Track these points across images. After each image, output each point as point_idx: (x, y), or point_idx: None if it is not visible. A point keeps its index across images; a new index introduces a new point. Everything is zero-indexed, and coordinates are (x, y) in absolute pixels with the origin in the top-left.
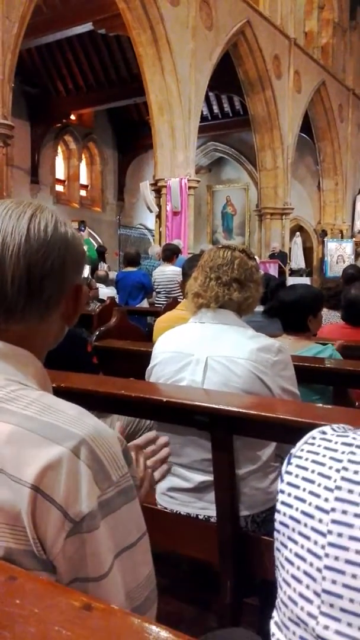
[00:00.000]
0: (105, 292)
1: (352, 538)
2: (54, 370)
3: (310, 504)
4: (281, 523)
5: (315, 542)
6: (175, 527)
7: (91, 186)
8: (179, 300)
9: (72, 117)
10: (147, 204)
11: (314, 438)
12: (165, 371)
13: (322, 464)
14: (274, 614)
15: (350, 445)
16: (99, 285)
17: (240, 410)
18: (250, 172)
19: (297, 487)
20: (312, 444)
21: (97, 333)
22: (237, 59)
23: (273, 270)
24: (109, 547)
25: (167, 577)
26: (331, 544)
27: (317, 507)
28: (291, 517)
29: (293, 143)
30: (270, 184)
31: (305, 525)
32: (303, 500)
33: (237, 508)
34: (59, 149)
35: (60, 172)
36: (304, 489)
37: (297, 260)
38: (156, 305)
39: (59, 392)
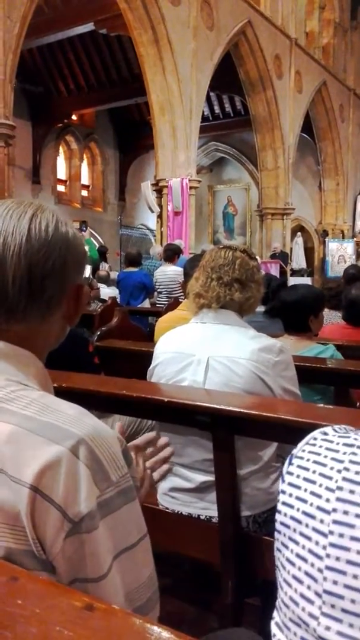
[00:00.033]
0: (107, 292)
1: (353, 539)
2: (56, 370)
3: (311, 504)
4: (282, 523)
5: (317, 543)
6: (177, 528)
7: (92, 186)
8: (180, 300)
9: (74, 117)
10: (148, 204)
11: (315, 439)
12: (166, 371)
13: (324, 465)
14: (275, 614)
15: (351, 445)
16: (100, 285)
17: (242, 410)
18: (252, 172)
19: (298, 487)
20: (314, 445)
21: (99, 333)
22: (238, 59)
23: (274, 271)
24: (108, 547)
25: (168, 577)
26: (332, 545)
27: (319, 508)
28: (292, 518)
29: (294, 143)
30: (272, 184)
31: (307, 525)
32: (304, 501)
33: (238, 508)
34: (61, 149)
35: (61, 172)
36: (305, 490)
37: (299, 260)
38: (157, 305)
39: (61, 392)
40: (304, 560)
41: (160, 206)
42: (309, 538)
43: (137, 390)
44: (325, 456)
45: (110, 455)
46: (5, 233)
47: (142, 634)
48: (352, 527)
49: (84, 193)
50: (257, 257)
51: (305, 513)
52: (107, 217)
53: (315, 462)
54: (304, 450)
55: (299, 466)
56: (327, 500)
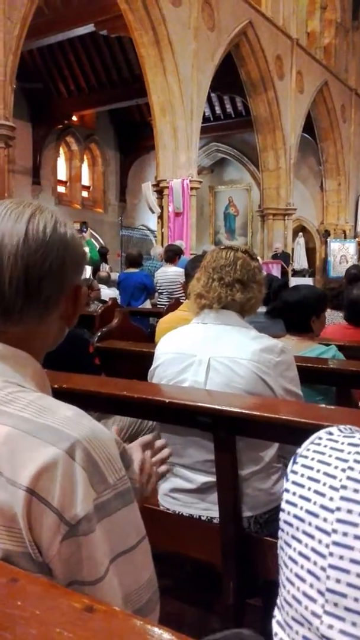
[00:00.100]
0: (107, 293)
1: (357, 537)
2: (56, 371)
3: (315, 502)
4: (286, 522)
5: (320, 541)
6: (178, 528)
7: (93, 187)
8: (181, 301)
9: (74, 118)
10: (149, 205)
11: (320, 438)
12: (167, 372)
13: (328, 464)
14: (276, 613)
15: (356, 445)
16: (101, 286)
17: (243, 411)
18: (253, 172)
19: (302, 486)
20: (319, 444)
21: (99, 334)
22: (239, 60)
23: (276, 271)
24: (105, 551)
25: (169, 578)
26: (336, 543)
27: (322, 506)
28: (296, 516)
29: (295, 143)
30: (273, 185)
31: (310, 524)
32: (308, 499)
33: (239, 509)
34: (61, 150)
35: (62, 173)
36: (309, 488)
37: (300, 260)
38: (158, 306)
39: (61, 393)
40: (307, 558)
41: (161, 207)
42: (312, 536)
43: (138, 391)
44: (330, 455)
45: (107, 458)
46: (3, 234)
47: (143, 635)
48: (355, 526)
49: (85, 194)
50: (259, 258)
51: (308, 511)
52: (107, 218)
53: (319, 461)
54: (308, 450)
55: (304, 465)
56: (331, 498)
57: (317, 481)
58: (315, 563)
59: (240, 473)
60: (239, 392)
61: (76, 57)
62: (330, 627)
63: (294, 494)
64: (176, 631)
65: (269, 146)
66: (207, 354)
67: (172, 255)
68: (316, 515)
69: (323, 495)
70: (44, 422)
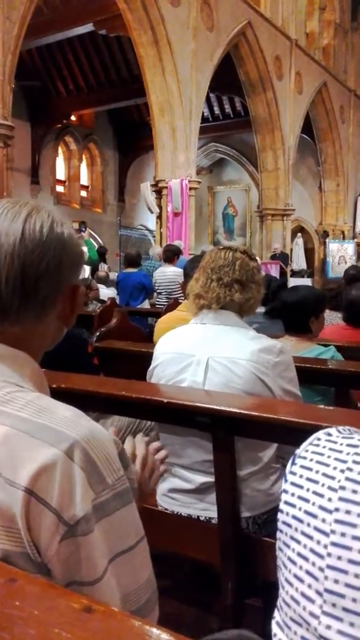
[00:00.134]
0: (106, 293)
1: (355, 538)
2: (54, 371)
3: (313, 503)
4: (284, 523)
5: (318, 542)
6: (176, 529)
7: (92, 187)
8: (180, 301)
9: (73, 117)
10: (147, 205)
11: (319, 439)
12: (166, 372)
13: (327, 465)
14: (276, 613)
15: (355, 446)
16: (99, 286)
17: (242, 411)
18: (252, 173)
19: (301, 487)
20: (317, 445)
21: (98, 334)
22: (238, 60)
23: (274, 271)
24: (103, 551)
25: (167, 579)
26: (334, 544)
27: (321, 507)
28: (294, 517)
29: (294, 144)
30: (272, 185)
31: (309, 524)
32: (307, 500)
33: (238, 509)
34: (60, 150)
35: (60, 173)
36: (308, 489)
37: (299, 261)
38: (157, 306)
39: (60, 393)
40: (306, 559)
41: (160, 207)
42: (310, 537)
43: (136, 391)
44: (329, 456)
45: (106, 458)
46: None
47: (141, 635)
48: (354, 527)
49: (83, 194)
50: (257, 258)
51: (307, 512)
52: (106, 218)
53: (318, 462)
54: (307, 451)
55: (302, 466)
56: (330, 499)
57: (316, 482)
58: (313, 564)
59: (239, 473)
60: (238, 393)
61: (75, 56)
62: (328, 627)
63: (293, 494)
64: (174, 631)
65: (267, 147)
66: (205, 354)
67: (171, 255)
68: (315, 516)
69: (322, 496)
70: (42, 422)
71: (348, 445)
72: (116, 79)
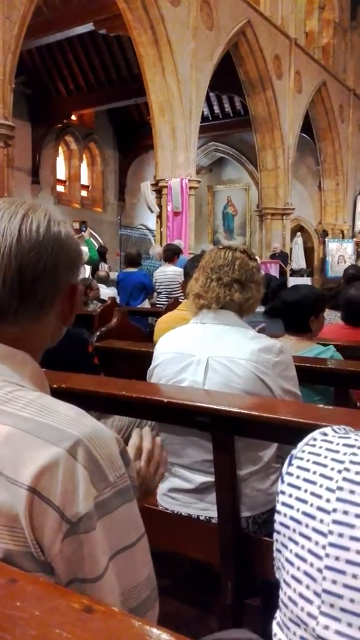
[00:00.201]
0: (106, 292)
1: (353, 538)
2: (54, 370)
3: (311, 504)
4: (281, 524)
5: (316, 543)
6: (176, 528)
7: (92, 186)
8: (180, 300)
9: (73, 117)
10: (148, 205)
11: (315, 439)
12: (166, 372)
13: (324, 465)
14: (277, 614)
15: (352, 446)
16: (99, 285)
17: (242, 411)
18: (251, 172)
19: (298, 488)
20: (314, 445)
21: (98, 334)
22: (237, 59)
23: (274, 271)
24: (104, 548)
25: (167, 578)
26: (332, 544)
27: (319, 508)
28: (292, 518)
29: (294, 143)
30: (271, 184)
31: (307, 526)
32: (304, 501)
33: (238, 509)
34: (60, 150)
35: (61, 173)
36: (305, 490)
37: (298, 260)
38: (157, 305)
39: (60, 393)
40: (304, 560)
41: (160, 206)
42: (308, 538)
43: (136, 391)
44: (326, 457)
45: (108, 456)
46: None
47: (141, 636)
48: (351, 527)
49: (84, 193)
50: (257, 258)
51: (305, 513)
52: (106, 218)
53: (315, 462)
54: (303, 451)
55: (299, 467)
56: (327, 500)
57: (314, 483)
58: (311, 565)
59: (239, 473)
60: (238, 392)
61: (75, 56)
62: (326, 628)
63: (290, 495)
64: (174, 631)
65: (267, 146)
66: (205, 353)
67: (171, 254)
68: (313, 517)
69: (319, 496)
70: (44, 421)
71: (344, 445)
72: (116, 79)
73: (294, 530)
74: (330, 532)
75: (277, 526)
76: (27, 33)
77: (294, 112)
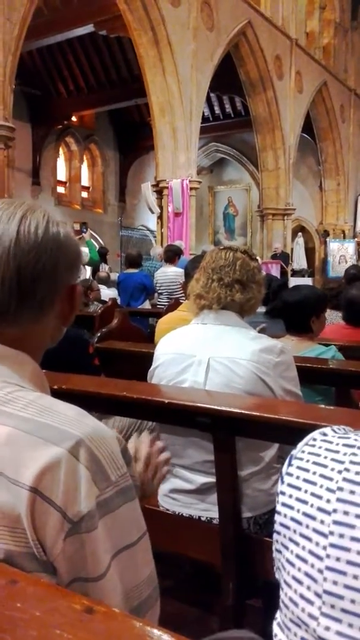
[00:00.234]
0: (107, 293)
1: (353, 539)
2: (55, 371)
3: (311, 505)
4: (282, 524)
5: (317, 544)
6: (178, 529)
7: (92, 188)
8: (181, 301)
9: (74, 118)
10: (148, 205)
11: (314, 439)
12: (167, 372)
13: (324, 466)
14: (277, 615)
15: (352, 446)
16: (100, 286)
17: (243, 411)
18: (252, 172)
19: (298, 488)
20: (313, 446)
21: (99, 334)
22: (238, 60)
23: (275, 271)
24: (106, 547)
25: (169, 579)
26: (332, 545)
27: (319, 509)
28: (292, 519)
29: (295, 143)
30: (272, 185)
31: (307, 526)
32: (304, 502)
33: (239, 509)
34: (60, 151)
35: (61, 174)
36: (306, 491)
37: (299, 260)
38: (158, 306)
39: (60, 394)
40: (304, 561)
41: (161, 207)
42: (309, 539)
43: (137, 392)
44: (326, 457)
45: (109, 455)
46: None
47: (142, 636)
48: (352, 528)
49: (84, 194)
50: (258, 258)
51: (305, 514)
52: (107, 219)
53: (315, 463)
54: (303, 452)
55: (299, 467)
56: (328, 501)
57: (314, 483)
58: (312, 565)
59: (240, 474)
60: (239, 393)
61: (75, 57)
62: (327, 628)
63: (290, 496)
64: (175, 632)
65: (268, 146)
66: (206, 354)
67: (172, 255)
68: (313, 518)
69: (320, 497)
70: (45, 421)
71: (344, 445)
72: (116, 80)
73: (295, 531)
74: (331, 533)
75: (277, 527)
76: (27, 34)
77: (295, 112)
